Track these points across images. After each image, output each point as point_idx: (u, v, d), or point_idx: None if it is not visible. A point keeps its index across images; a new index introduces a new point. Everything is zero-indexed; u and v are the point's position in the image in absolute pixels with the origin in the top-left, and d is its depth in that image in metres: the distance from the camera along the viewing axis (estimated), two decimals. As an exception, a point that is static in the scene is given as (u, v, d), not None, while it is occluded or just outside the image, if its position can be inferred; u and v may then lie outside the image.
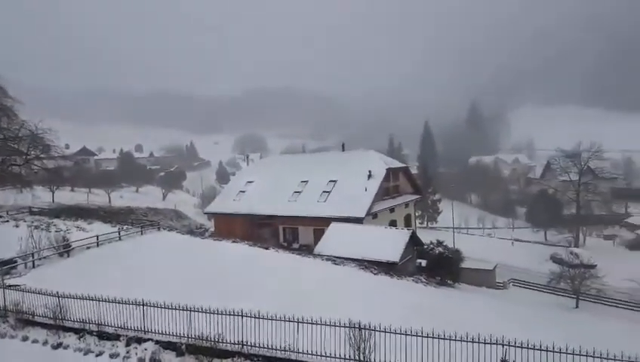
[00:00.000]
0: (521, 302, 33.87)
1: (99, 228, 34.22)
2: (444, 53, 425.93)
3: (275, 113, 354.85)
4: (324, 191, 39.55)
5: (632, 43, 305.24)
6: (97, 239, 28.84)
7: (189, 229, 48.11)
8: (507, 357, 10.96)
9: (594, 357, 10.55)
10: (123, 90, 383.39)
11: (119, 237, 30.92)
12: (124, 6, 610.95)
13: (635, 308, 33.57)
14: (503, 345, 11.18)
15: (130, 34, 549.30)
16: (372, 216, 37.01)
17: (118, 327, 14.87)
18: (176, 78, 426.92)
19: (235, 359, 13.03)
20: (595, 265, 41.01)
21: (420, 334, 11.81)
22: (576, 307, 34.21)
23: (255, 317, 13.30)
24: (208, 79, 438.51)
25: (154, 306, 14.48)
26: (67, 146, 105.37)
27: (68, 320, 15.55)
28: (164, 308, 14.33)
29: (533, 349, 10.88)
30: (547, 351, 10.77)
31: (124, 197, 69.89)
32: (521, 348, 11.00)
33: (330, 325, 12.61)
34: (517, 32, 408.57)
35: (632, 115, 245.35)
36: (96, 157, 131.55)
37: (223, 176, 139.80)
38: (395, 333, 11.99)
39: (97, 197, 63.40)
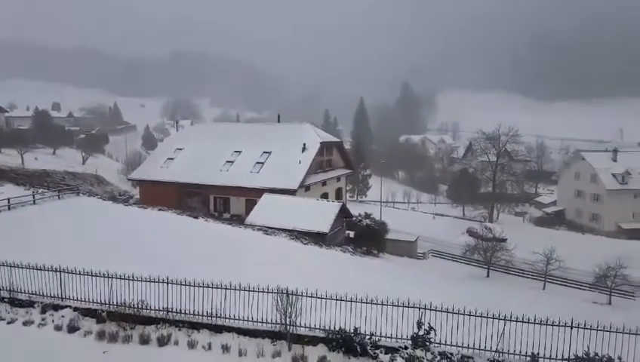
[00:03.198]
0: (439, 270, 36.25)
1: (10, 190, 31.98)
2: (380, 33, 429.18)
3: (207, 79, 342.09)
4: (257, 163, 39.23)
5: (548, 39, 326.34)
6: (9, 202, 27.04)
7: (111, 195, 45.85)
8: (422, 319, 11.76)
9: (499, 319, 11.64)
10: (38, 42, 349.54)
11: (34, 201, 29.06)
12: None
13: (536, 278, 37.17)
14: (419, 309, 12.02)
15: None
16: (305, 188, 37.43)
17: (32, 294, 14.12)
18: (97, 34, 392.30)
19: (159, 326, 12.81)
20: (506, 239, 44.60)
21: (344, 299, 12.35)
22: (487, 276, 37.20)
23: (181, 284, 13.05)
24: (132, 38, 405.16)
25: (72, 273, 13.80)
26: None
27: (-26, 287, 14.48)
28: (83, 274, 13.70)
29: (447, 312, 11.78)
30: (459, 313, 11.75)
31: (39, 160, 64.77)
32: (436, 311, 11.89)
33: (258, 291, 12.77)
34: (449, 17, 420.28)
35: (542, 104, 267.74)
36: (7, 114, 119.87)
37: (150, 142, 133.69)
38: (321, 298, 12.41)
39: (9, 158, 58.34)
